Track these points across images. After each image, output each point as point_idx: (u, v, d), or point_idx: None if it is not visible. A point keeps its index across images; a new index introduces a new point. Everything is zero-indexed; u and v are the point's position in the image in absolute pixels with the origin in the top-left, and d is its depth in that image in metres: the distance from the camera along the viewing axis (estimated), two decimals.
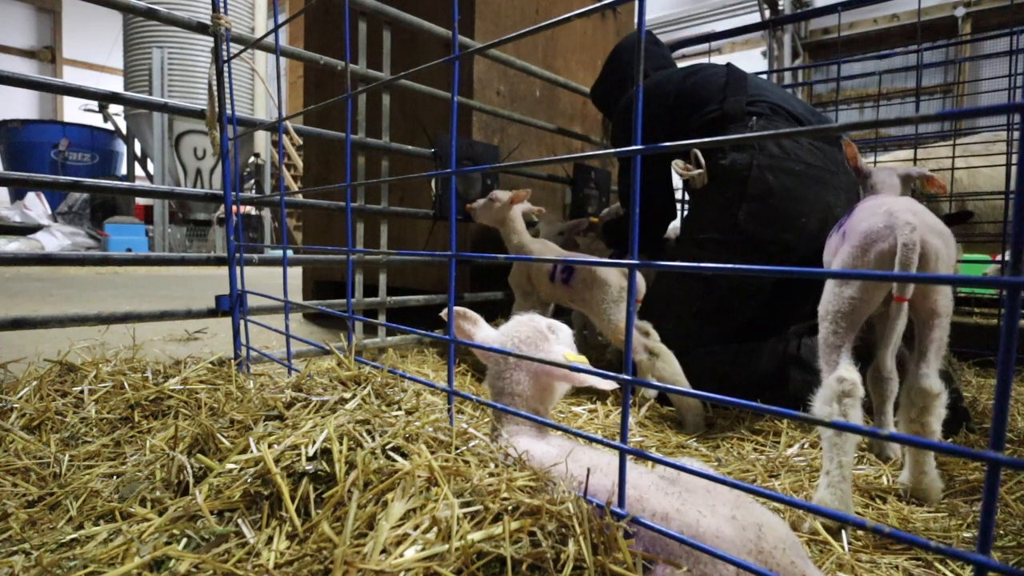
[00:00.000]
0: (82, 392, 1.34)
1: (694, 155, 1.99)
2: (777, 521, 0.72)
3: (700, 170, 1.96)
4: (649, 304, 2.03)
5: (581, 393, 1.92)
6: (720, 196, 1.94)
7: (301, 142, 1.91)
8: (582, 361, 0.95)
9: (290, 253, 2.24)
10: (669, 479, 0.76)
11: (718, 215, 1.94)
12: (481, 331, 1.09)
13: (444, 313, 1.05)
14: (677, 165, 2.03)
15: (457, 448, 0.84)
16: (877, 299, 1.25)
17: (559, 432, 0.99)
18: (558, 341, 1.04)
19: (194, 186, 8.36)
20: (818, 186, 1.88)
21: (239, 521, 0.75)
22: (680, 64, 2.51)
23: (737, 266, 0.60)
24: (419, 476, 0.73)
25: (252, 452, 0.84)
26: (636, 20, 0.67)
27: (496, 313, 2.43)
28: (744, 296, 1.91)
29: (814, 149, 1.92)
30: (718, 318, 1.94)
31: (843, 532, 1.03)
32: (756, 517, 0.71)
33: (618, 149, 0.74)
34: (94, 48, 14.62)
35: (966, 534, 1.07)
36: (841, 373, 1.19)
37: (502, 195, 2.19)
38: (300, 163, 9.84)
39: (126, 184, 1.71)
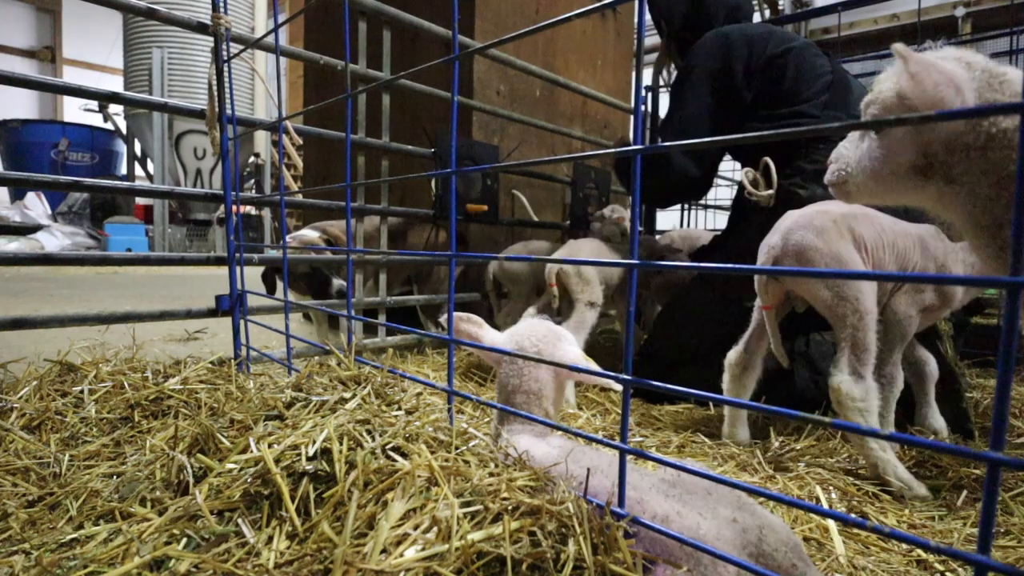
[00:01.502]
0: (82, 392, 1.34)
1: (764, 164, 1.80)
2: (778, 523, 0.72)
3: (770, 191, 1.78)
4: (673, 317, 1.99)
5: (581, 395, 1.92)
6: None
7: (301, 142, 1.91)
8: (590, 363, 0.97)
9: (290, 253, 2.24)
10: (669, 481, 0.76)
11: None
12: (487, 333, 1.09)
13: (444, 318, 1.05)
14: (746, 176, 1.84)
15: (457, 448, 0.83)
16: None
17: (559, 433, 0.99)
18: (570, 343, 1.06)
19: (194, 186, 8.36)
20: None
21: (239, 521, 0.75)
22: None
23: (738, 266, 0.60)
24: (419, 476, 0.73)
25: (252, 452, 0.84)
26: (636, 20, 0.67)
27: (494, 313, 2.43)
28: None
29: None
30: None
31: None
32: (757, 519, 0.71)
33: (618, 149, 0.73)
34: (94, 48, 14.62)
35: (968, 531, 1.07)
36: (729, 354, 1.60)
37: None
38: (300, 163, 9.84)
39: (126, 184, 1.71)
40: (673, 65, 2.28)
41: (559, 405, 1.04)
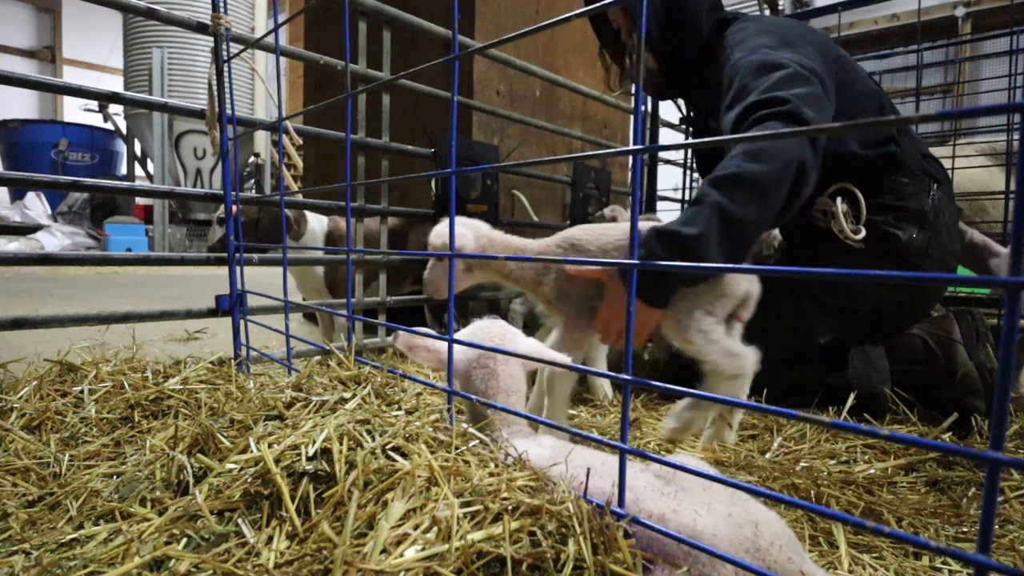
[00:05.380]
0: (82, 392, 1.34)
1: (850, 193, 1.62)
2: (774, 518, 0.72)
3: (862, 234, 1.62)
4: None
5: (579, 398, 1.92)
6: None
7: (301, 142, 1.91)
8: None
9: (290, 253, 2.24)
10: (664, 478, 0.76)
11: (862, 290, 1.69)
12: (439, 344, 1.05)
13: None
14: (838, 208, 1.63)
15: (457, 448, 0.83)
16: None
17: (552, 433, 0.99)
18: (521, 336, 1.07)
19: (194, 186, 8.36)
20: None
21: (239, 521, 0.75)
22: None
23: (740, 266, 0.60)
24: (419, 476, 0.73)
25: (252, 452, 0.84)
26: (636, 20, 0.67)
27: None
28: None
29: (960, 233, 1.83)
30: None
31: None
32: (752, 514, 0.71)
33: (618, 149, 0.73)
34: (94, 48, 14.61)
35: (965, 529, 1.07)
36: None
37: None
38: (300, 163, 9.84)
39: (126, 184, 1.71)
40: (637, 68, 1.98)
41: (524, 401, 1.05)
